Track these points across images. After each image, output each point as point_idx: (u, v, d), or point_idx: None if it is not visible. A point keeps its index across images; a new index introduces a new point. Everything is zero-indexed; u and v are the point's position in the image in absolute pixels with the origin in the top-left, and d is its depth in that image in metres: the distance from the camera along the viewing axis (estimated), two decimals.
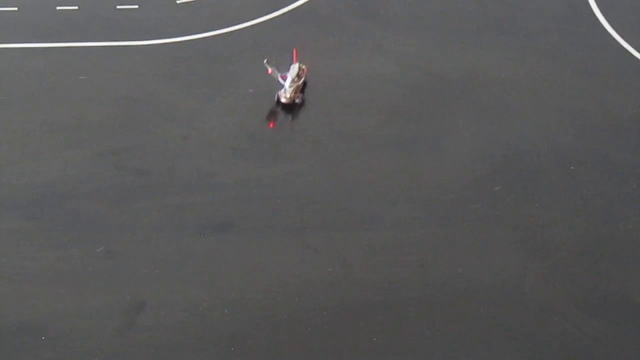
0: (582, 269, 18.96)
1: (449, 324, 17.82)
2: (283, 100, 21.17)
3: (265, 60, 20.84)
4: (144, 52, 24.72)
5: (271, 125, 20.60)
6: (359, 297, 18.32)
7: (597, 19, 26.24)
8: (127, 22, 25.75)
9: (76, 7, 26.13)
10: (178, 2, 26.56)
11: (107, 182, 20.71)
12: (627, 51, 25.06)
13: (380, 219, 19.95)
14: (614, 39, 25.49)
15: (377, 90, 23.59)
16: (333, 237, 19.54)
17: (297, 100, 21.37)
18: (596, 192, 20.72)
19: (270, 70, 20.89)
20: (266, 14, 26.12)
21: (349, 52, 24.90)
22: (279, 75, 21.07)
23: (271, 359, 17.22)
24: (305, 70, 21.53)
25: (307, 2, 26.60)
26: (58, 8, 26.08)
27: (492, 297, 18.35)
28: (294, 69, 21.60)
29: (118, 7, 26.26)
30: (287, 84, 21.33)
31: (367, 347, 17.42)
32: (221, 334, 17.60)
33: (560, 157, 21.66)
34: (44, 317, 17.82)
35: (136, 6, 26.29)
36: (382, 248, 19.31)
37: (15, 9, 26.05)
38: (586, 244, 19.52)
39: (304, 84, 21.67)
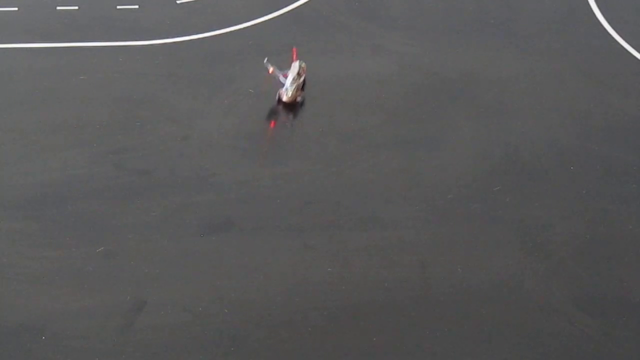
0: (582, 269, 18.96)
1: (449, 324, 17.82)
2: (285, 99, 21.24)
3: (265, 60, 20.77)
4: (144, 52, 24.72)
5: (272, 124, 20.55)
6: (359, 297, 18.32)
7: (597, 19, 26.25)
8: (127, 22, 25.75)
9: (76, 7, 26.14)
10: (178, 2, 26.57)
11: (107, 182, 20.71)
12: (627, 51, 25.07)
13: (380, 219, 19.95)
14: (614, 39, 25.49)
15: (377, 90, 23.60)
16: (333, 237, 19.54)
17: (298, 99, 21.37)
18: (596, 192, 20.73)
19: (271, 69, 20.83)
20: (266, 14, 26.13)
21: (349, 52, 24.91)
22: (280, 74, 21.02)
23: (271, 359, 17.21)
24: (305, 68, 21.50)
25: (307, 2, 26.61)
26: (58, 8, 26.08)
27: (492, 297, 18.35)
28: (295, 67, 21.53)
29: (118, 7, 26.26)
30: (288, 82, 21.30)
31: (367, 347, 17.42)
32: (221, 334, 17.60)
33: (560, 157, 21.66)
34: (44, 317, 17.81)
35: (136, 6, 26.29)
36: (382, 248, 19.31)
37: (15, 9, 26.05)
38: (586, 244, 19.52)
39: (304, 82, 21.66)
